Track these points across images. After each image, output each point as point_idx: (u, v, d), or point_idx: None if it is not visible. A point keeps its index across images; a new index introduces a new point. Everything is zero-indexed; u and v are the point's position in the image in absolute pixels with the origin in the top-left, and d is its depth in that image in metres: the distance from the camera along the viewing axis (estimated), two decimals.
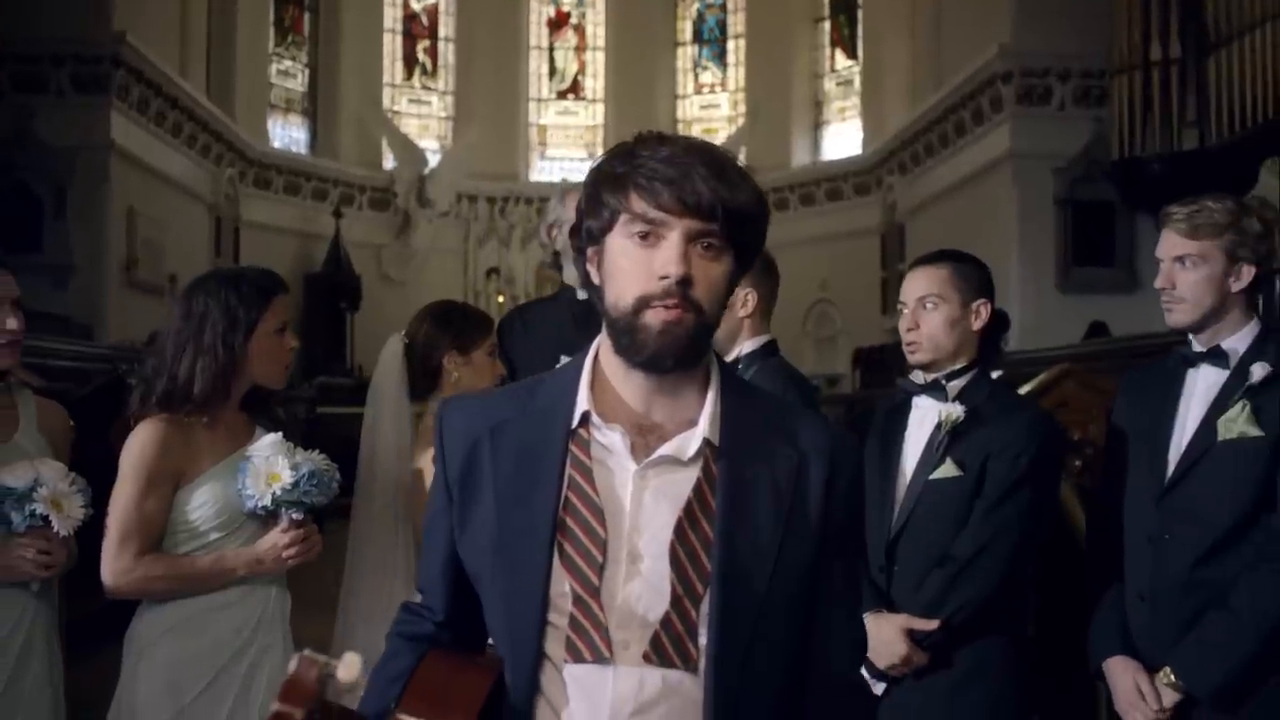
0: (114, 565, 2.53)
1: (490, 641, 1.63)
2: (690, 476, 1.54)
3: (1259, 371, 2.49)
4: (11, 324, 2.59)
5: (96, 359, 8.42)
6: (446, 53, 19.39)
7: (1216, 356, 2.58)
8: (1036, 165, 11.87)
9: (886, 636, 2.61)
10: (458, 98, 19.32)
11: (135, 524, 2.53)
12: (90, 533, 2.65)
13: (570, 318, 3.49)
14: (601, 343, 1.60)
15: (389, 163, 18.19)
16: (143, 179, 12.42)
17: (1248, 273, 2.55)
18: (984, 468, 2.62)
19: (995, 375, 2.90)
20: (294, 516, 2.58)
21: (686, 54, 19.79)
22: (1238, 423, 2.49)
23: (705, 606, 1.50)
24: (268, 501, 2.54)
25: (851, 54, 17.86)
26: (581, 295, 3.41)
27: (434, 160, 18.40)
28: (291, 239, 16.54)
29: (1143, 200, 10.81)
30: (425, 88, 19.32)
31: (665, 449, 1.54)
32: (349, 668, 1.32)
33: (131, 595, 2.60)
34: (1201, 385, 2.60)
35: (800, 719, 1.58)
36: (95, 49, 11.50)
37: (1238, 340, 2.57)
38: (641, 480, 1.54)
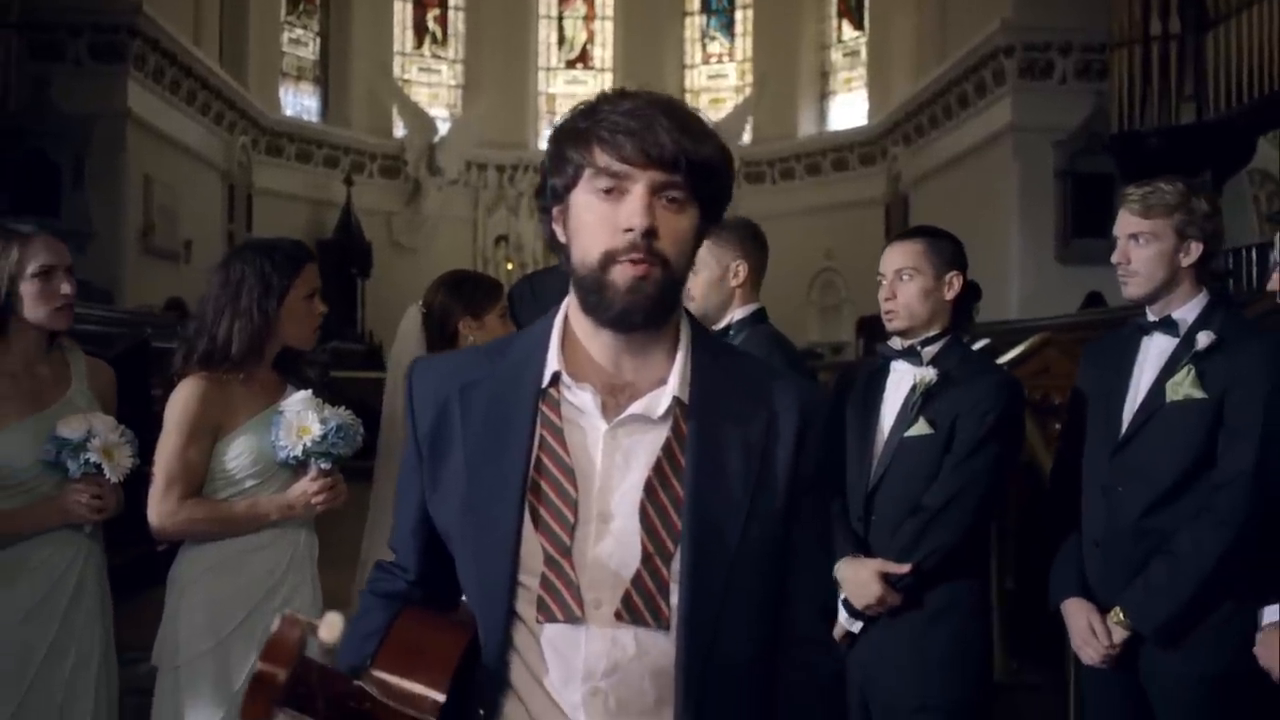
0: (160, 509, 2.78)
1: (464, 599, 1.64)
2: (660, 435, 1.53)
3: (1204, 339, 2.72)
4: (66, 289, 2.82)
5: (117, 323, 8.65)
6: (456, 21, 19.55)
7: (1167, 325, 2.80)
8: (1037, 138, 12.04)
9: (863, 579, 2.85)
10: (467, 66, 19.49)
11: (179, 471, 2.78)
12: (128, 488, 2.90)
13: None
14: (570, 302, 1.59)
15: (399, 130, 18.37)
16: (158, 147, 12.63)
17: (1196, 249, 2.77)
18: (953, 426, 2.85)
19: (981, 344, 3.13)
20: (322, 466, 2.82)
21: (694, 24, 19.95)
22: (1183, 386, 2.72)
23: (676, 565, 1.50)
24: (298, 452, 2.79)
25: (858, 25, 18.00)
26: None
27: (444, 128, 18.57)
28: (303, 206, 16.76)
29: (1141, 173, 10.94)
30: (435, 56, 19.49)
31: (635, 408, 1.54)
32: (330, 628, 1.36)
33: (175, 537, 2.86)
34: (1154, 351, 2.82)
35: (772, 672, 1.59)
36: (112, 18, 11.70)
37: (1187, 310, 2.79)
38: (612, 439, 1.53)
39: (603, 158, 1.48)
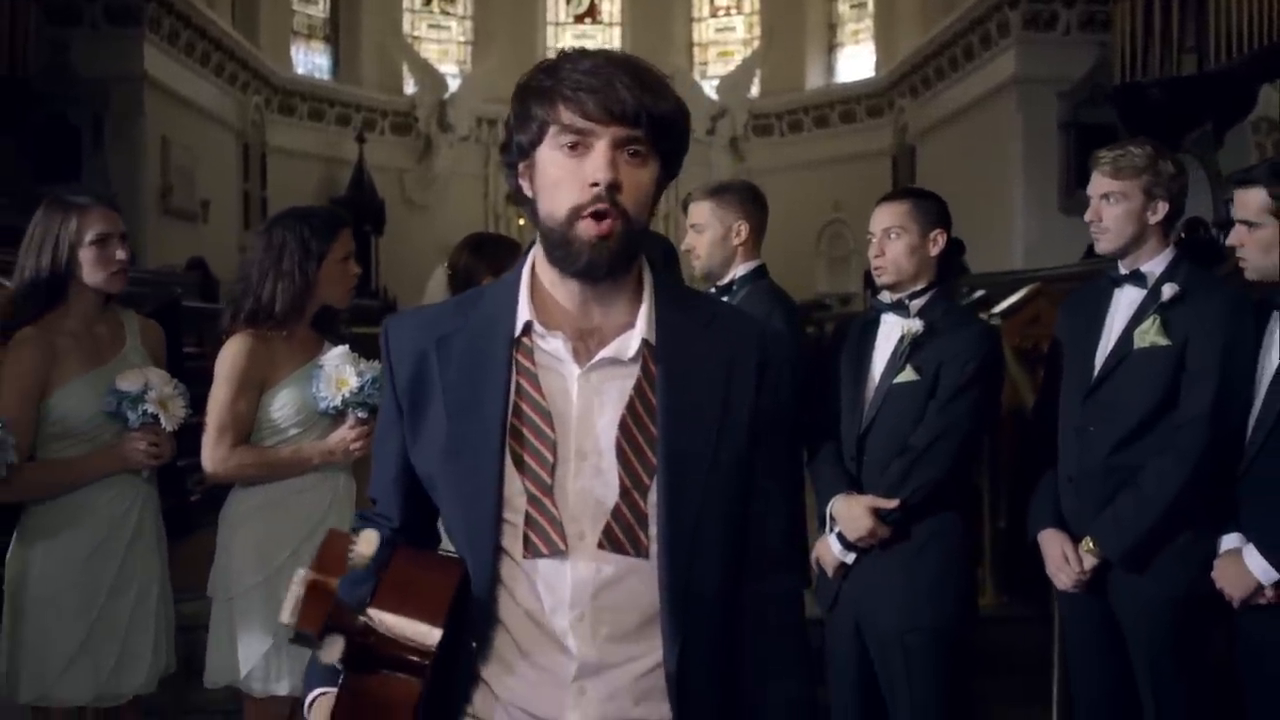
0: (213, 455, 3.05)
1: (444, 545, 1.73)
2: (631, 376, 1.60)
3: (1168, 291, 2.95)
4: (121, 255, 3.06)
5: (141, 283, 8.89)
6: None
7: (1136, 278, 3.03)
8: (1041, 89, 12.18)
9: (856, 514, 3.10)
10: (476, 22, 19.56)
11: (229, 421, 3.04)
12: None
13: None
14: (536, 253, 1.66)
15: (410, 88, 18.49)
16: (174, 109, 12.83)
17: (1163, 208, 2.99)
18: (938, 373, 3.09)
19: (978, 294, 3.36)
20: (359, 415, 3.07)
21: None
22: (1149, 334, 2.95)
23: (652, 497, 1.58)
24: (338, 403, 3.04)
25: None
26: None
27: (454, 85, 18.67)
28: (316, 164, 16.91)
29: (1143, 125, 11.07)
30: (444, 13, 19.56)
31: (606, 351, 1.60)
32: (368, 542, 1.48)
33: (226, 480, 3.12)
34: (1124, 302, 3.05)
35: (740, 597, 1.67)
36: None
37: (1154, 264, 3.02)
38: (585, 382, 1.60)
39: (567, 115, 1.53)
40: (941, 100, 14.53)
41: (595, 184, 1.52)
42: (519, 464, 1.58)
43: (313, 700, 1.63)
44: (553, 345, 1.61)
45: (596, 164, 1.52)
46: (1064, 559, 3.04)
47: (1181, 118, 10.80)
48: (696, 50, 19.67)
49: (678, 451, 1.58)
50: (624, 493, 1.58)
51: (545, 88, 1.55)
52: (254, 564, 3.09)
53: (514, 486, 1.58)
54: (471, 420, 1.61)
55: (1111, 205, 3.01)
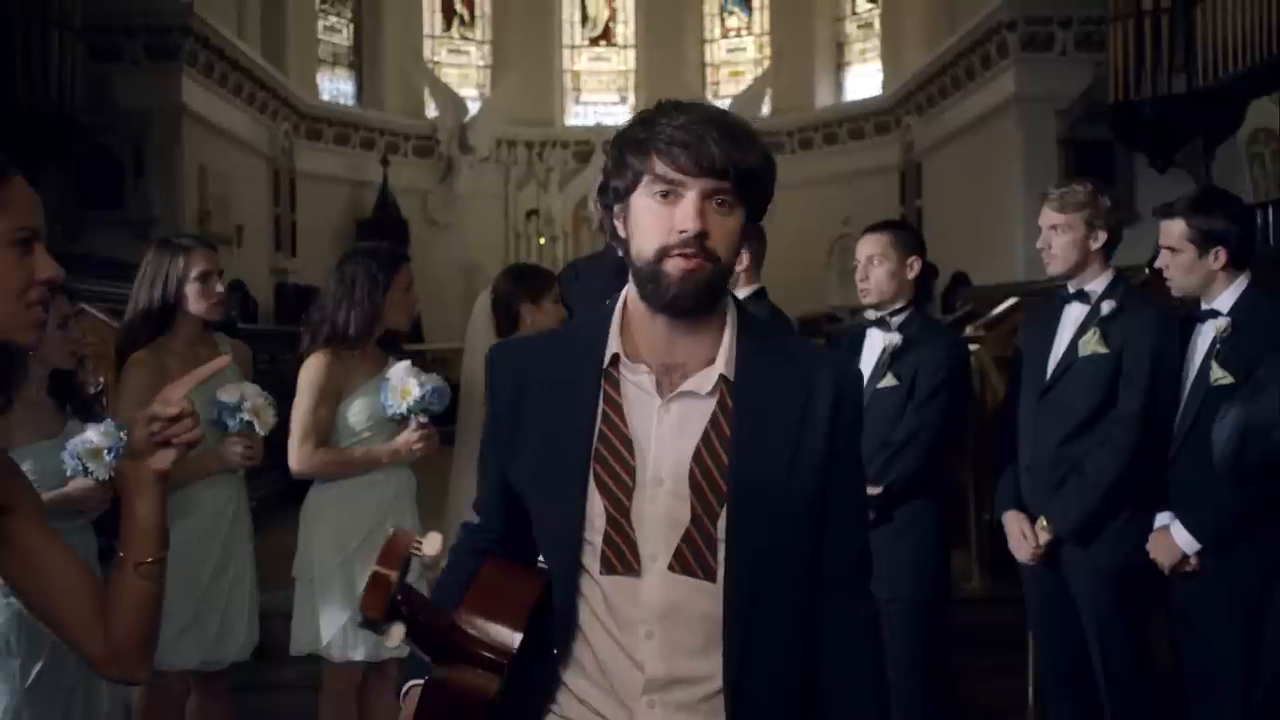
0: (298, 455, 3.59)
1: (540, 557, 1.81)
2: (708, 409, 1.68)
3: (1107, 307, 3.46)
4: (219, 288, 3.60)
5: None
6: (483, 4, 19.93)
7: (1081, 296, 3.55)
8: (1040, 107, 12.46)
9: None
10: (495, 47, 19.93)
11: (311, 427, 3.58)
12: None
13: (614, 270, 4.48)
14: (629, 291, 1.74)
15: (431, 111, 18.76)
16: (210, 137, 13.31)
17: (1102, 236, 3.51)
18: (914, 379, 3.63)
19: (965, 309, 3.89)
20: (420, 420, 3.62)
21: None
22: (1091, 343, 3.46)
23: (722, 524, 1.65)
24: (403, 409, 3.58)
25: None
26: (622, 253, 4.41)
27: (474, 108, 18.94)
28: (342, 187, 17.28)
29: (1137, 141, 11.52)
30: (464, 38, 19.96)
31: (686, 385, 1.68)
32: (432, 543, 1.58)
33: (308, 476, 3.67)
34: (1071, 317, 3.57)
35: (811, 622, 1.74)
36: (166, 20, 12.31)
37: (1096, 285, 3.53)
38: (665, 413, 1.68)
39: (660, 166, 1.62)
40: (946, 118, 14.91)
41: (684, 231, 1.61)
42: (600, 486, 1.67)
43: (408, 689, 1.75)
44: (638, 377, 1.70)
45: (686, 213, 1.62)
46: (1022, 536, 3.55)
47: (1173, 134, 11.24)
48: (709, 71, 20.09)
49: (748, 481, 1.65)
50: (695, 519, 1.65)
51: (640, 140, 1.65)
52: (332, 549, 3.63)
53: (595, 507, 1.67)
54: (560, 443, 1.70)
55: (1059, 235, 3.52)
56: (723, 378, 1.69)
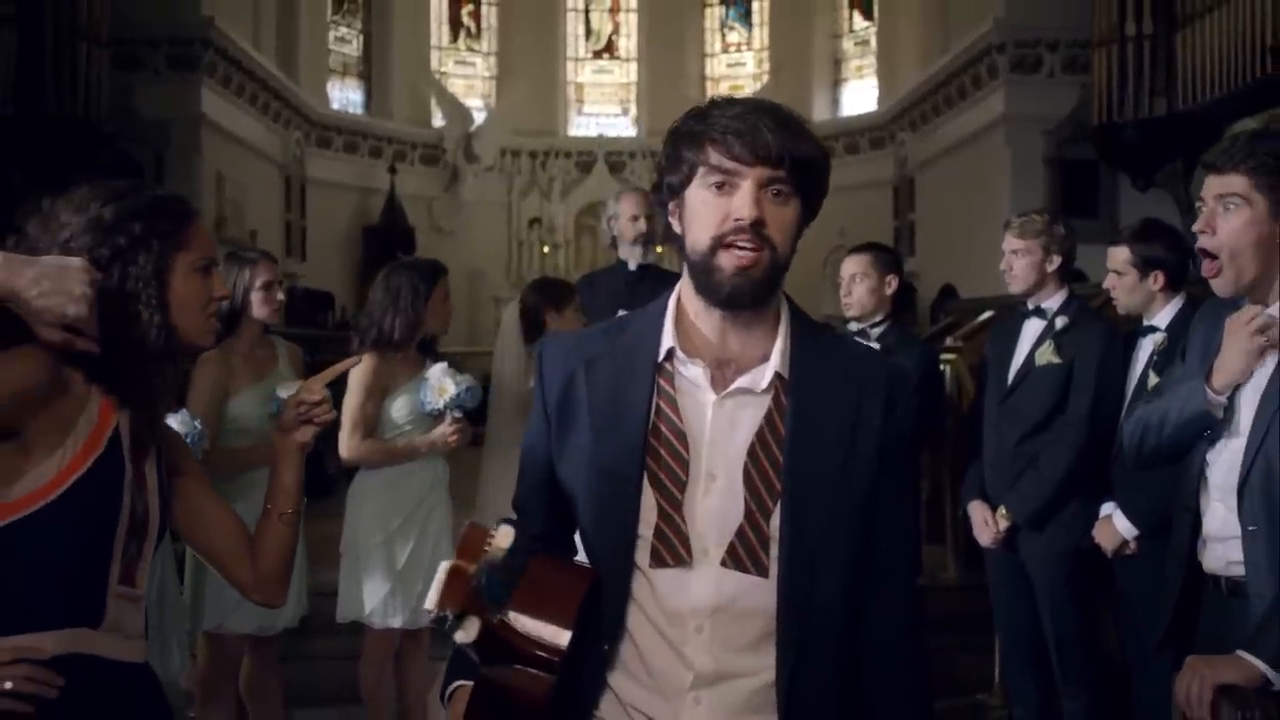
0: (347, 445, 4.05)
1: (579, 556, 1.78)
2: (763, 406, 1.66)
3: (1060, 322, 3.93)
4: (280, 296, 4.05)
5: None
6: (489, 16, 20.29)
7: (1039, 312, 4.01)
8: (1028, 127, 12.82)
9: None
10: (500, 58, 20.23)
11: (360, 420, 4.04)
12: None
13: (623, 283, 4.96)
14: (683, 285, 1.72)
15: (438, 121, 19.03)
16: (227, 145, 13.70)
17: (1057, 259, 3.97)
18: None
19: (945, 320, 4.35)
20: (455, 415, 4.08)
21: (714, 14, 20.51)
22: (1046, 354, 3.93)
23: (775, 520, 1.63)
24: (440, 405, 4.04)
25: (868, 15, 18.76)
26: (631, 268, 4.88)
27: (479, 118, 19.21)
28: (351, 194, 17.58)
29: (1120, 161, 11.94)
30: (470, 49, 20.24)
31: (741, 381, 1.67)
32: (505, 536, 1.60)
33: (356, 464, 4.13)
34: (1029, 330, 4.03)
35: (857, 620, 1.72)
36: (186, 32, 12.73)
37: (1052, 302, 4.00)
38: (720, 408, 1.67)
39: (715, 156, 1.61)
40: (938, 135, 15.24)
41: (740, 219, 1.60)
42: (654, 480, 1.66)
43: (453, 690, 1.72)
44: (692, 372, 1.69)
45: (743, 201, 1.60)
46: (985, 523, 4.02)
47: (1154, 155, 11.68)
48: (709, 84, 20.42)
49: (802, 479, 1.64)
50: (749, 514, 1.64)
51: (695, 132, 1.65)
52: (376, 528, 4.09)
53: (647, 501, 1.66)
54: (614, 437, 1.69)
55: (1019, 258, 3.99)
56: (777, 375, 1.68)
